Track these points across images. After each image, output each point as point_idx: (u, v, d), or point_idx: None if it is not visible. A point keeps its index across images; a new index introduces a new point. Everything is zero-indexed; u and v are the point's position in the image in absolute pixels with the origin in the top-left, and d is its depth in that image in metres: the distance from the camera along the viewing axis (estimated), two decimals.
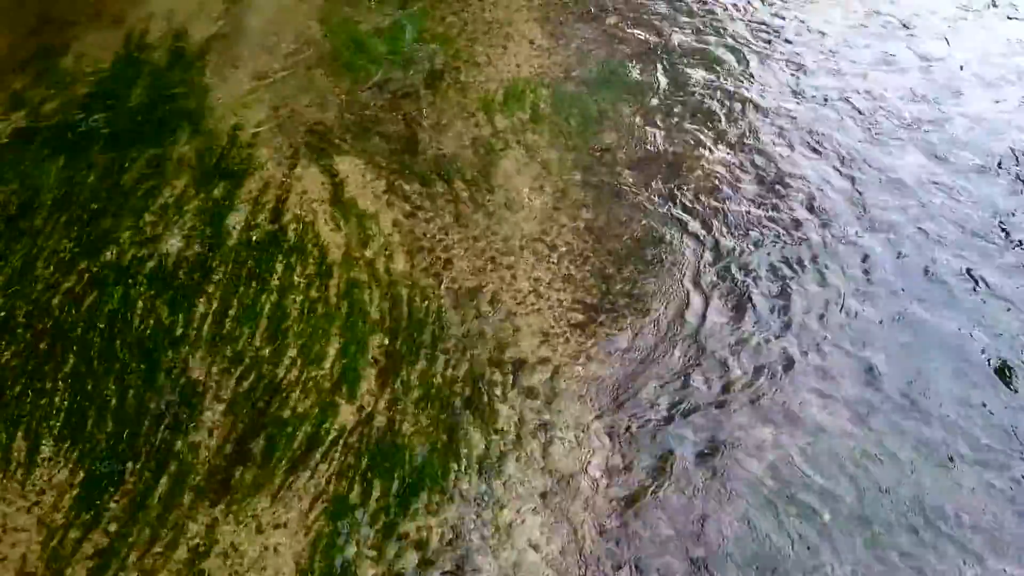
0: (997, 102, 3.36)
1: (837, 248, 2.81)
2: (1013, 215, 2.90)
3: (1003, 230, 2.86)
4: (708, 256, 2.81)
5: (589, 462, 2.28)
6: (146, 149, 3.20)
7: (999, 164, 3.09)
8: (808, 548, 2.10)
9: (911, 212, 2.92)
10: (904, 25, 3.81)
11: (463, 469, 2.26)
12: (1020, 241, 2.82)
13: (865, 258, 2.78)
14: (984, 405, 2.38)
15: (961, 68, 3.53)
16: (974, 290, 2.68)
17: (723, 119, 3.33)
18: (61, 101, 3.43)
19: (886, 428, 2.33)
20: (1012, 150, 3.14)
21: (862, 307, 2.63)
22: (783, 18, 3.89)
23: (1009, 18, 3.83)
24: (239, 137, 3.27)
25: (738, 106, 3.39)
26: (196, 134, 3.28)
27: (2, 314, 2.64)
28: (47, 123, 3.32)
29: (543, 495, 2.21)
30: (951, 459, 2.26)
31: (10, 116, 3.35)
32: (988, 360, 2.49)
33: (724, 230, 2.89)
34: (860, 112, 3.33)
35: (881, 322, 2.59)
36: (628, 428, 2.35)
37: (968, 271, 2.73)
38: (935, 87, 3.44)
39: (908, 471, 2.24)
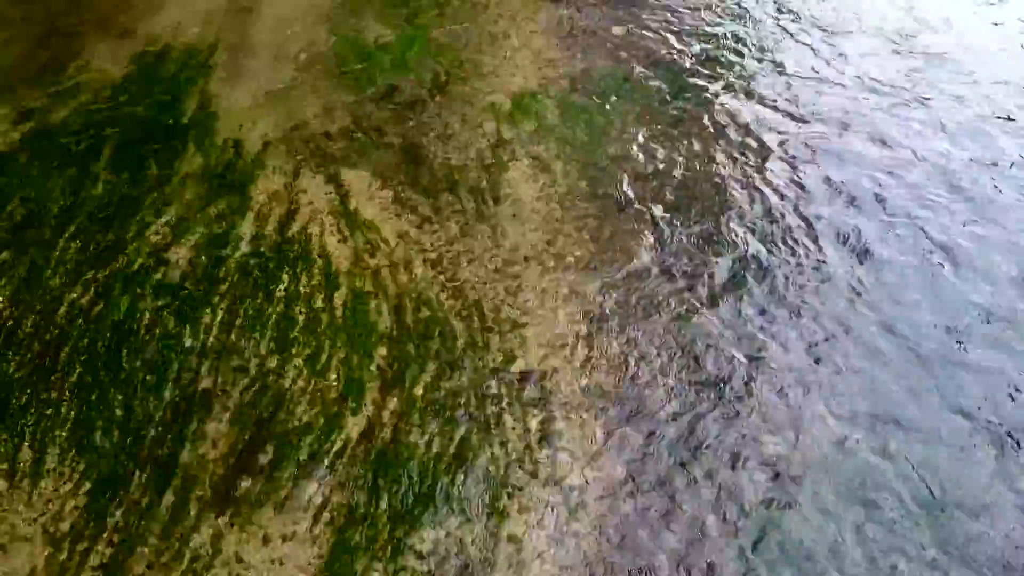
0: None
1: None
2: None
3: None
4: (712, 269, 2.81)
5: (595, 474, 2.27)
6: (153, 160, 3.22)
7: None
8: None
9: None
10: None
11: (469, 480, 2.25)
12: None
13: None
14: None
15: None
16: None
17: (731, 130, 3.34)
18: (69, 112, 3.45)
19: None
20: None
21: None
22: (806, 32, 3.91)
23: None
24: (246, 148, 3.28)
25: (748, 118, 3.40)
26: (203, 145, 3.29)
27: (9, 324, 2.64)
28: (55, 133, 3.34)
29: (550, 506, 2.20)
30: None
31: (18, 126, 3.38)
32: None
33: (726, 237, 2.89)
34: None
35: None
36: (635, 438, 2.35)
37: None
38: None
39: None
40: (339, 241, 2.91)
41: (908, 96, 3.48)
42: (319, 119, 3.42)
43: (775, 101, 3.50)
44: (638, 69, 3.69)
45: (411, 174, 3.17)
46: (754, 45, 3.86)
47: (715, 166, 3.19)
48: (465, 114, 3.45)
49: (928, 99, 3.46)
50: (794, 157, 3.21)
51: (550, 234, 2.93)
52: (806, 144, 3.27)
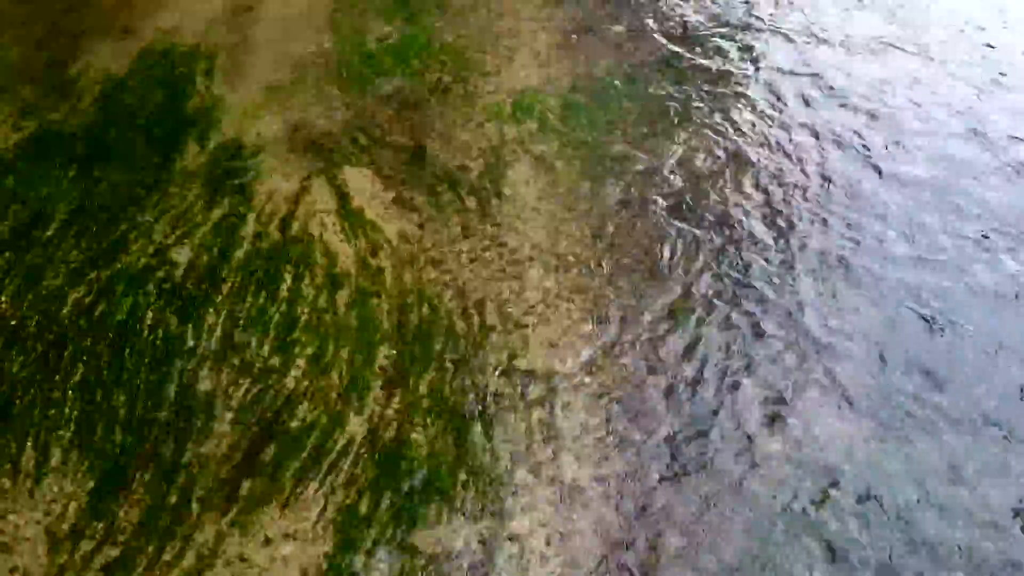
0: None
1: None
2: None
3: None
4: (710, 265, 2.81)
5: (599, 473, 2.27)
6: (156, 159, 3.22)
7: None
8: None
9: None
10: None
11: (472, 480, 2.25)
12: None
13: None
14: None
15: None
16: None
17: (734, 128, 3.33)
18: (71, 112, 3.45)
19: None
20: None
21: None
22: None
23: None
24: (248, 147, 3.28)
25: (748, 114, 3.39)
26: (205, 144, 3.29)
27: (12, 324, 2.64)
28: (57, 134, 3.34)
29: (552, 505, 2.20)
30: None
31: (20, 127, 3.37)
32: None
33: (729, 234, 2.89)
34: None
35: None
36: (637, 437, 2.34)
37: None
38: None
39: None
40: (341, 241, 2.91)
41: None
42: (321, 118, 3.42)
43: (783, 95, 3.49)
44: (640, 66, 3.69)
45: (413, 174, 3.17)
46: (760, 37, 3.85)
47: (719, 164, 3.18)
48: (467, 113, 3.45)
49: None
50: (798, 150, 3.21)
51: (552, 233, 2.93)
52: (814, 135, 3.27)
